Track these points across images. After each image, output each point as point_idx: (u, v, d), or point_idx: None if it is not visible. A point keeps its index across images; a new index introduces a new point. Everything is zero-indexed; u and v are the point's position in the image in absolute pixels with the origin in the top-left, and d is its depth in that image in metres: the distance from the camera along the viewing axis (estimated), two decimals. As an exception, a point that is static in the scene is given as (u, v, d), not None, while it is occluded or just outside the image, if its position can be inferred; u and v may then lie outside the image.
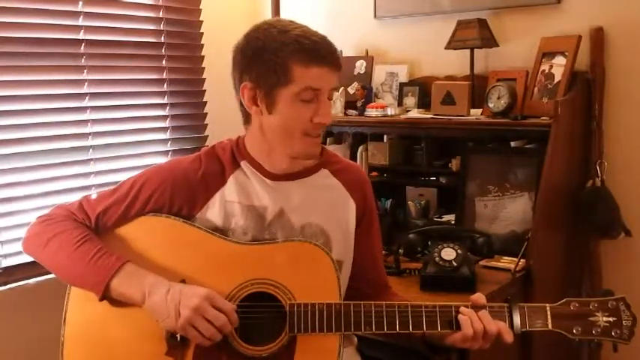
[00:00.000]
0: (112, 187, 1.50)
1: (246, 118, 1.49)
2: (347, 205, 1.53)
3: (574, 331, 1.31)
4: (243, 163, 1.49)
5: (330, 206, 1.51)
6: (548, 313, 1.32)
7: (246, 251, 1.42)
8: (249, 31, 1.43)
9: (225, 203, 1.46)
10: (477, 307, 1.34)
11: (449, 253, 2.01)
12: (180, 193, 1.46)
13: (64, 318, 1.43)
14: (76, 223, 1.44)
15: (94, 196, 1.50)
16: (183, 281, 1.36)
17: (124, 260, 1.38)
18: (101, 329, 1.41)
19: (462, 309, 1.34)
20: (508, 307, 1.34)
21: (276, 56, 1.36)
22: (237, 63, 1.43)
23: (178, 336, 1.34)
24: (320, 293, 1.36)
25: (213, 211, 1.46)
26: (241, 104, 1.46)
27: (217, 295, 1.33)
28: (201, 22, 2.97)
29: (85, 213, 1.46)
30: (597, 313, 1.31)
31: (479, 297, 1.37)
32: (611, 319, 1.30)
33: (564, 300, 1.33)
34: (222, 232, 1.44)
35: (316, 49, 1.37)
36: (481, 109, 2.43)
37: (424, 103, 2.65)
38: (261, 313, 1.37)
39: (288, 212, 1.47)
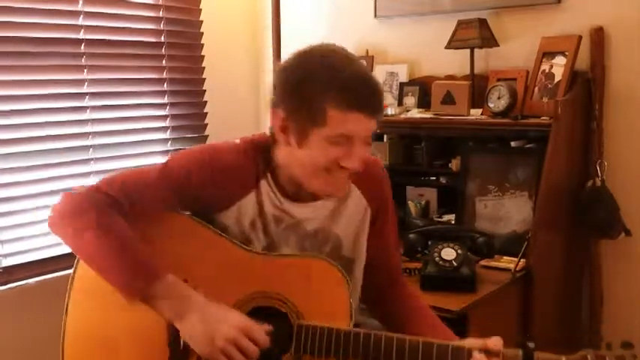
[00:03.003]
0: (144, 170, 1.43)
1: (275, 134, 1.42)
2: (365, 214, 1.51)
3: None
4: (268, 176, 1.44)
5: (348, 216, 1.49)
6: None
7: (259, 261, 1.40)
8: (303, 52, 1.36)
9: (246, 208, 1.43)
10: (490, 353, 1.27)
11: (449, 253, 2.02)
12: (213, 192, 1.42)
13: (65, 317, 1.42)
14: (111, 210, 1.35)
15: (118, 177, 1.41)
16: (185, 281, 1.35)
17: (166, 271, 1.33)
18: (102, 328, 1.40)
19: (475, 355, 1.26)
20: (523, 357, 1.26)
21: (315, 95, 1.29)
22: (279, 85, 1.37)
23: (182, 342, 1.33)
24: (330, 313, 1.34)
25: (230, 215, 1.43)
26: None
27: (254, 327, 1.30)
28: (201, 22, 2.97)
29: (118, 197, 1.37)
30: None
31: (496, 342, 1.29)
32: None
33: (580, 352, 1.25)
34: (237, 236, 1.42)
35: (358, 96, 1.29)
36: (481, 109, 2.43)
37: (424, 103, 2.65)
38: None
39: (304, 221, 1.46)
